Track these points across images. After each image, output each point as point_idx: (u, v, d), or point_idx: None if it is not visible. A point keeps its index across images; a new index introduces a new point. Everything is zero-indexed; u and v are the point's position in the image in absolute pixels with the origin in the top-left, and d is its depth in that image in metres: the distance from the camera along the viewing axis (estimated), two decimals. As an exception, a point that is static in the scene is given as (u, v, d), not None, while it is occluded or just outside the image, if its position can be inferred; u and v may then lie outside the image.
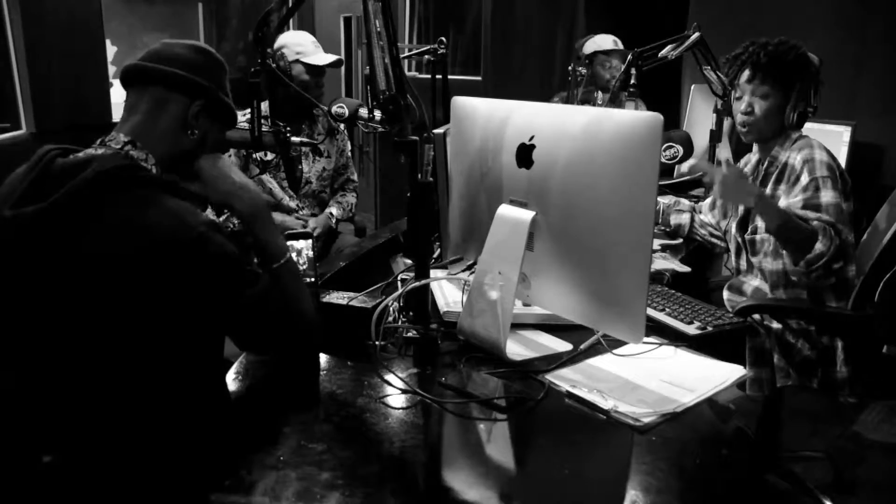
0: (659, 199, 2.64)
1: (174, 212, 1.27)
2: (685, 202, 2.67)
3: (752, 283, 2.33)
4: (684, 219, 2.60)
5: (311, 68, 3.09)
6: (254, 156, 3.07)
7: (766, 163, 2.31)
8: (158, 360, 1.28)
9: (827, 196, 2.12)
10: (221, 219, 2.90)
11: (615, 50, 3.88)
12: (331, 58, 3.13)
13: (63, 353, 1.25)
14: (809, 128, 2.33)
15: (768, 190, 2.28)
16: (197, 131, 1.42)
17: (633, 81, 2.70)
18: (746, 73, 2.28)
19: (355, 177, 3.49)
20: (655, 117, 1.33)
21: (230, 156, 3.04)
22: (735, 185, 2.09)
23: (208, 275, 1.28)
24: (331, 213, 3.27)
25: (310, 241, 1.79)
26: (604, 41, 3.95)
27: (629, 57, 2.71)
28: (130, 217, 1.25)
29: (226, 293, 1.31)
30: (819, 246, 2.06)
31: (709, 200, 2.65)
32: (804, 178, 2.15)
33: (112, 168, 1.26)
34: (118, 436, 1.27)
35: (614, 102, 2.99)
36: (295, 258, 1.68)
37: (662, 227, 2.66)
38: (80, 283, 1.23)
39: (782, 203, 2.18)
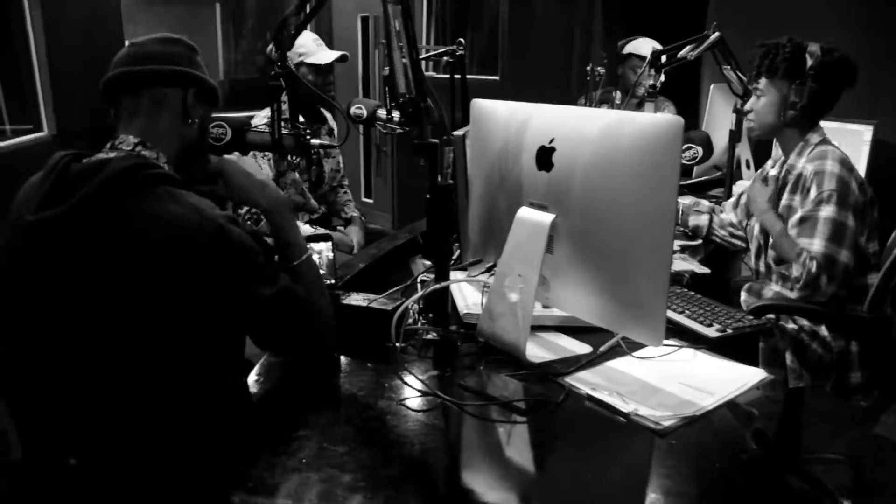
0: (678, 199, 2.64)
1: (194, 206, 1.29)
2: (704, 203, 2.67)
3: (774, 287, 2.32)
4: (703, 220, 2.60)
5: (315, 68, 3.05)
6: (289, 159, 3.09)
7: (783, 171, 2.33)
8: (181, 359, 1.29)
9: (826, 211, 2.13)
10: (242, 211, 2.92)
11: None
12: (334, 54, 3.08)
13: (89, 353, 1.27)
14: (829, 127, 2.32)
15: (784, 198, 2.31)
16: (196, 119, 1.46)
17: (651, 83, 2.70)
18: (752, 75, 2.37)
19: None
20: (676, 120, 1.32)
21: (268, 160, 3.05)
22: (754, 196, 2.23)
23: (229, 267, 1.29)
24: (360, 218, 3.34)
25: (329, 242, 1.80)
26: (643, 46, 3.93)
27: (647, 57, 2.71)
28: (151, 213, 1.26)
29: (246, 286, 1.32)
30: (794, 270, 2.17)
31: (733, 199, 2.65)
32: (813, 191, 2.18)
33: (129, 167, 1.28)
34: (141, 437, 1.28)
35: (642, 106, 3.00)
36: (316, 259, 1.70)
37: (681, 228, 2.65)
38: (104, 281, 1.24)
39: (798, 212, 2.23)
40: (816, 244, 2.12)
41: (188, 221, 1.27)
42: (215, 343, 1.34)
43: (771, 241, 2.29)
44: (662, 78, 2.76)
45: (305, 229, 3.04)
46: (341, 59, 3.12)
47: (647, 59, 2.74)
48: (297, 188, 3.15)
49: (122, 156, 1.34)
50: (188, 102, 1.44)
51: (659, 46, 3.91)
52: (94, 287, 1.25)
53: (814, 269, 2.11)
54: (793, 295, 2.20)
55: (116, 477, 1.28)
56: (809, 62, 2.22)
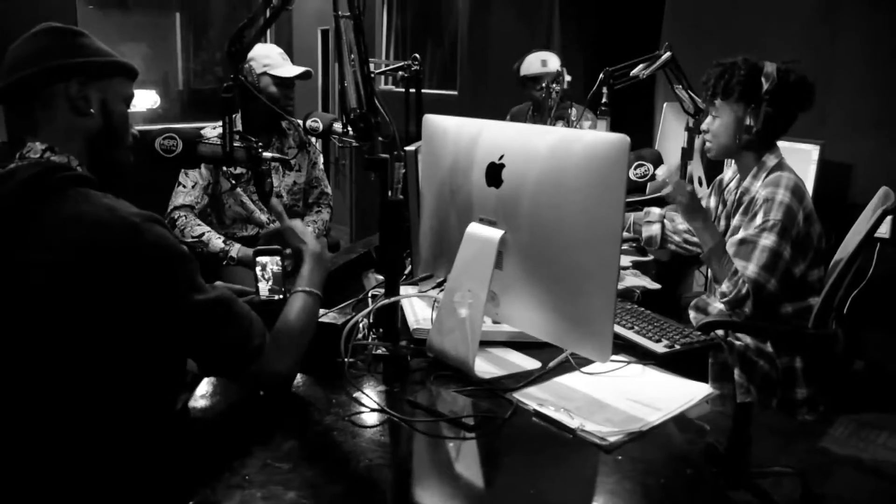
0: (630, 214, 2.67)
1: (107, 206, 1.25)
2: (655, 211, 2.67)
3: (717, 304, 2.35)
4: (655, 229, 2.62)
5: (279, 80, 3.07)
6: (223, 169, 3.05)
7: (739, 192, 2.35)
8: (113, 372, 1.25)
9: (767, 240, 2.16)
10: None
11: (543, 74, 3.92)
12: (298, 69, 3.11)
13: (8, 368, 1.23)
14: (780, 147, 2.35)
15: (736, 219, 2.33)
16: (92, 108, 1.37)
17: (604, 100, 2.73)
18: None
19: (329, 190, 3.44)
20: (622, 139, 1.34)
21: (201, 171, 3.03)
22: (689, 203, 2.23)
23: (147, 267, 1.24)
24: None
25: (277, 257, 1.78)
26: (531, 65, 3.98)
27: (601, 76, 2.74)
28: (63, 216, 1.23)
29: (170, 289, 1.26)
30: (724, 285, 2.20)
31: None
32: (759, 217, 2.20)
33: (36, 174, 1.25)
34: (74, 453, 1.24)
35: (551, 119, 3.04)
36: (259, 273, 1.68)
37: (634, 245, 2.68)
38: (21, 292, 1.21)
39: (739, 233, 2.25)
40: (750, 269, 2.15)
41: (101, 221, 1.23)
42: (148, 353, 1.29)
43: (704, 252, 2.30)
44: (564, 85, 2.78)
45: (216, 244, 2.99)
46: (304, 75, 3.13)
47: (600, 78, 2.77)
48: (235, 201, 3.13)
49: (31, 163, 1.30)
50: (72, 94, 1.34)
51: (548, 56, 3.96)
52: (11, 298, 1.22)
53: (743, 291, 2.15)
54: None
55: (49, 499, 1.24)
56: (765, 86, 2.22)
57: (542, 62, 3.97)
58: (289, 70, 3.09)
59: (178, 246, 1.30)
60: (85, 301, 1.21)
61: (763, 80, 2.23)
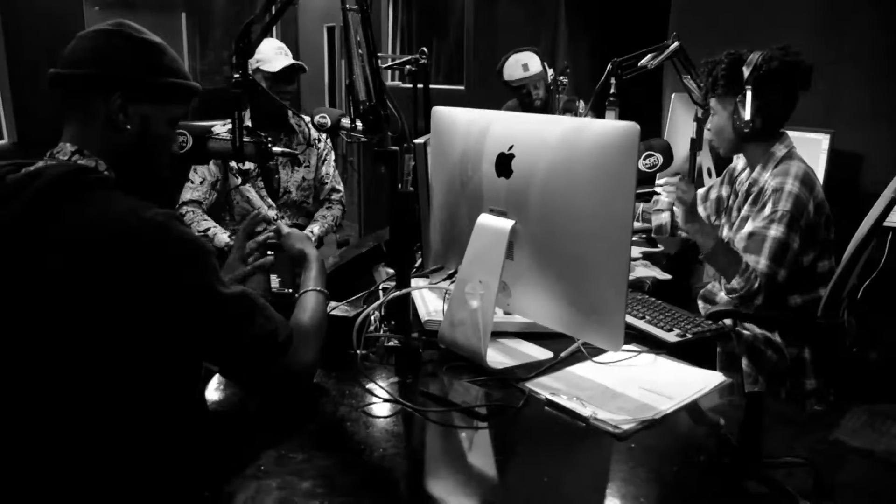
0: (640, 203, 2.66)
1: (132, 207, 1.25)
2: (663, 199, 2.66)
3: (724, 294, 2.35)
4: (664, 218, 2.61)
5: (268, 75, 3.01)
6: (231, 165, 3.05)
7: (748, 182, 2.34)
8: (137, 367, 1.25)
9: (775, 231, 2.14)
10: None
11: (527, 79, 3.85)
12: (286, 62, 3.03)
13: (30, 365, 1.23)
14: (790, 136, 2.34)
15: (745, 209, 2.32)
16: (129, 124, 1.33)
17: (612, 91, 2.72)
18: None
19: (340, 187, 3.43)
20: (632, 127, 1.34)
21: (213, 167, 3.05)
22: (689, 211, 2.25)
23: (169, 262, 1.24)
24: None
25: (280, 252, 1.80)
26: (513, 71, 3.87)
27: (608, 67, 2.73)
28: (88, 217, 1.23)
29: (195, 280, 1.26)
30: (734, 282, 2.18)
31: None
32: (768, 208, 2.18)
33: (64, 174, 1.25)
34: (95, 445, 1.25)
35: (560, 112, 3.03)
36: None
37: (644, 236, 2.67)
38: (48, 289, 1.21)
39: (748, 226, 2.23)
40: (762, 263, 2.14)
41: (127, 220, 1.23)
42: (173, 349, 1.29)
43: (704, 254, 2.27)
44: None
45: (221, 238, 3.00)
46: (293, 68, 3.06)
47: (608, 68, 2.76)
48: (241, 197, 3.14)
49: (59, 163, 1.30)
50: (112, 107, 1.31)
51: (529, 59, 3.91)
52: (36, 296, 1.22)
53: (756, 285, 2.14)
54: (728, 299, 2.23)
55: (65, 491, 1.25)
56: (746, 74, 2.19)
57: (523, 67, 3.84)
58: (277, 64, 3.04)
59: (202, 241, 1.31)
60: (112, 299, 1.21)
61: (744, 69, 2.21)
